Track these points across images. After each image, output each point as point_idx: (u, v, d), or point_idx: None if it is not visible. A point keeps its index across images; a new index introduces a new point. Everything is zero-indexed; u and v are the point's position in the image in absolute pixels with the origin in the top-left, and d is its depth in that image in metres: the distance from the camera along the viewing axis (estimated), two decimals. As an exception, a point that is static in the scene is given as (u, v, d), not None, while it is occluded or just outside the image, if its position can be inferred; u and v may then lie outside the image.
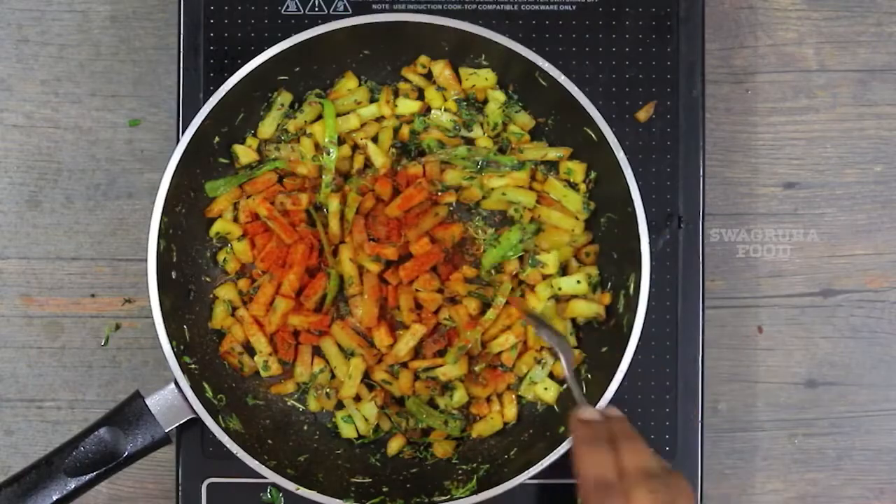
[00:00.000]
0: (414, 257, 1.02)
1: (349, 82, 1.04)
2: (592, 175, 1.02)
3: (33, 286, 1.08)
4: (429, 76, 1.04)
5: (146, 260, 0.96)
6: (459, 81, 1.03)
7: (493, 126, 1.03)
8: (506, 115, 1.03)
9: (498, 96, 1.03)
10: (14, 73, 1.09)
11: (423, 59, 1.03)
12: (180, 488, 1.02)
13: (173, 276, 1.00)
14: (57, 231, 1.08)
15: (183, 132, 0.97)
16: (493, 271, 1.03)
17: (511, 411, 1.03)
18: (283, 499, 1.02)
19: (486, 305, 1.02)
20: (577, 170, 1.02)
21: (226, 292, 1.03)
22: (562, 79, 0.98)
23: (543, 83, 0.99)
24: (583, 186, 1.03)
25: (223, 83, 0.97)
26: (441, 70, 1.03)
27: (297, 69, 1.01)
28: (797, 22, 1.10)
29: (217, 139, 1.01)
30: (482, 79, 1.03)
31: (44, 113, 1.08)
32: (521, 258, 1.03)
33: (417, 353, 1.03)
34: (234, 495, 1.01)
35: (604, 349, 1.01)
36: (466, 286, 1.02)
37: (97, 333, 1.08)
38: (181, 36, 1.03)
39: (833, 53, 1.10)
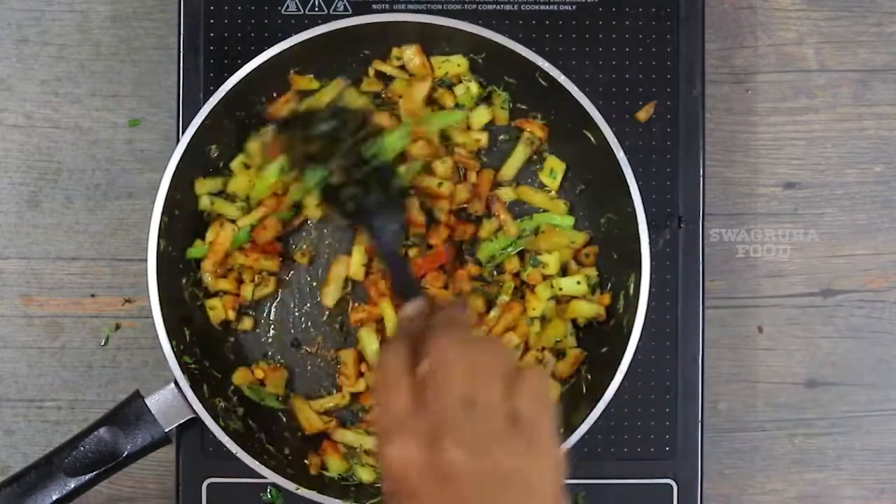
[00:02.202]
0: (430, 252, 1.01)
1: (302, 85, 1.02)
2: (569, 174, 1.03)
3: (33, 286, 1.08)
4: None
5: (146, 260, 0.96)
6: (431, 69, 1.02)
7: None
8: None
9: (472, 87, 1.03)
10: (14, 73, 1.08)
11: (396, 51, 1.02)
12: (180, 488, 1.02)
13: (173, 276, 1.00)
14: (57, 231, 1.08)
15: (183, 132, 0.97)
16: (494, 272, 1.03)
17: None
18: (283, 499, 1.02)
19: (489, 306, 1.02)
20: (558, 169, 1.03)
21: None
22: (562, 79, 0.98)
23: (544, 83, 0.99)
24: (555, 183, 1.03)
25: (223, 83, 0.97)
26: (411, 56, 1.02)
27: (298, 69, 1.01)
28: (797, 22, 1.10)
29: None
30: (454, 65, 1.02)
31: (44, 113, 1.08)
32: (522, 258, 1.03)
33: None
34: (234, 495, 1.01)
35: (604, 349, 1.01)
36: (472, 282, 1.02)
37: (97, 333, 1.08)
38: (181, 36, 1.03)
39: (833, 53, 1.10)
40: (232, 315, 1.02)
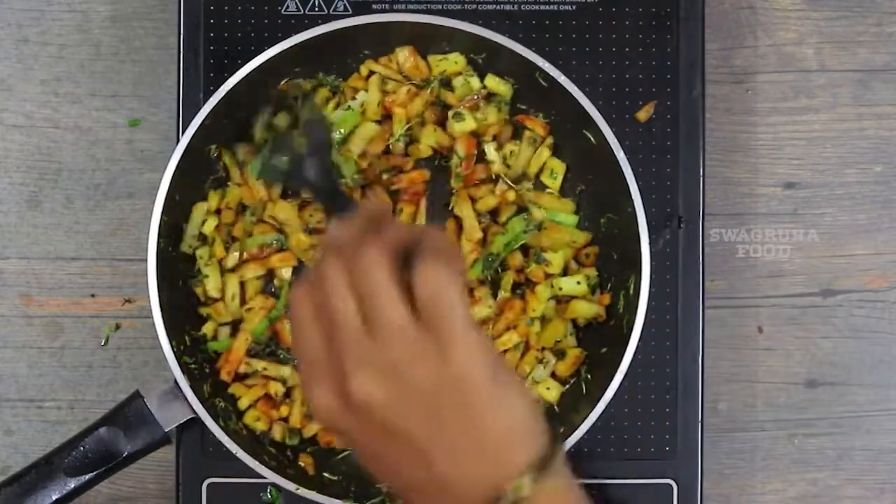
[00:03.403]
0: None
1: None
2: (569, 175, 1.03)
3: (33, 286, 1.08)
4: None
5: (146, 260, 0.96)
6: (429, 68, 1.02)
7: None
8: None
9: (474, 83, 1.02)
10: (14, 73, 1.08)
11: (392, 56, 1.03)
12: (180, 488, 1.02)
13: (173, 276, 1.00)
14: (57, 231, 1.08)
15: (183, 132, 0.97)
16: (499, 268, 1.03)
17: None
18: (283, 499, 1.02)
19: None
20: (559, 169, 1.03)
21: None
22: (562, 79, 0.98)
23: (543, 83, 0.99)
24: (556, 183, 1.03)
25: (223, 83, 0.97)
26: (406, 57, 1.02)
27: (298, 69, 1.01)
28: (797, 22, 1.10)
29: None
30: (451, 63, 1.02)
31: (44, 113, 1.08)
32: (526, 254, 1.03)
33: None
34: (234, 495, 1.01)
35: (604, 349, 1.01)
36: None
37: (97, 333, 1.08)
38: (181, 36, 1.03)
39: (833, 53, 1.10)
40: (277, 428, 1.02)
